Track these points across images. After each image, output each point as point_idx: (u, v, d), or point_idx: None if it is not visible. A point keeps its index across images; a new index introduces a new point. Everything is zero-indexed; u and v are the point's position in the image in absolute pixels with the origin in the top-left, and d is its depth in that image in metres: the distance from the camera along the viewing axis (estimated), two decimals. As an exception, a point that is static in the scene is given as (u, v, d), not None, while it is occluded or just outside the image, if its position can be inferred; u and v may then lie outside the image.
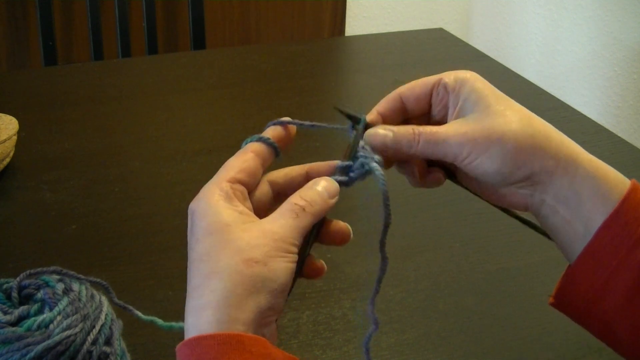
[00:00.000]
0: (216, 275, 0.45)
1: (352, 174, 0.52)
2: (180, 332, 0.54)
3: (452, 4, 2.47)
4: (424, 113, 0.55)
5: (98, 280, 0.60)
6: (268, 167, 0.53)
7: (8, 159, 0.95)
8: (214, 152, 1.02)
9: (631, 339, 0.48)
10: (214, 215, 0.47)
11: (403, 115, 0.56)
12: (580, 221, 0.49)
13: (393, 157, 0.53)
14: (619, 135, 1.13)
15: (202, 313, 0.44)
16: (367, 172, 0.51)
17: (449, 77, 0.54)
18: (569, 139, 0.51)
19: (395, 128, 0.52)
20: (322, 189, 0.49)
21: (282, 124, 0.53)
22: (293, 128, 0.54)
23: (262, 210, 0.50)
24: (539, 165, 0.49)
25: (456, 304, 0.76)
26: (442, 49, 1.44)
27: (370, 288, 0.77)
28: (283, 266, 0.45)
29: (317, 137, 1.06)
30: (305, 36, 2.18)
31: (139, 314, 0.60)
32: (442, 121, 0.54)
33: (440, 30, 1.56)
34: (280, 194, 0.52)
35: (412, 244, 0.84)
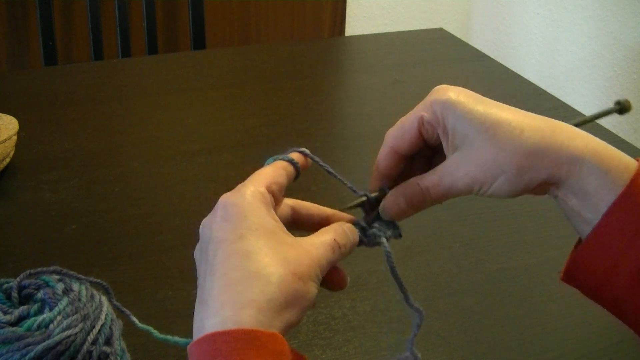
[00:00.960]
0: (266, 278, 0.45)
1: (364, 239, 0.54)
2: (184, 332, 0.54)
3: (452, 4, 2.47)
4: (421, 150, 0.55)
5: (98, 280, 0.60)
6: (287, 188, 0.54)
7: (8, 159, 0.95)
8: (214, 152, 1.02)
9: (639, 319, 0.49)
10: (259, 217, 0.48)
11: (404, 162, 0.56)
12: (589, 210, 0.49)
13: (415, 213, 0.55)
14: (619, 135, 1.12)
15: (246, 309, 0.44)
16: (377, 244, 0.54)
17: (426, 111, 0.52)
18: (571, 132, 0.50)
19: (402, 191, 0.54)
20: (353, 238, 0.52)
21: (304, 154, 0.55)
22: (309, 159, 0.55)
23: None
24: (544, 175, 0.50)
25: (456, 304, 0.76)
26: (442, 49, 1.44)
27: (370, 288, 0.77)
28: (314, 289, 0.47)
29: (317, 137, 1.06)
30: (305, 36, 2.18)
31: (135, 320, 0.60)
32: (442, 150, 0.54)
33: (440, 30, 1.56)
34: (296, 223, 0.54)
35: (412, 244, 0.84)
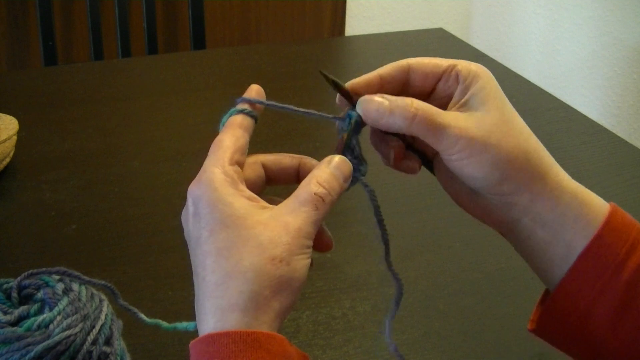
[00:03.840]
0: (241, 275, 0.43)
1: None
2: (184, 332, 0.54)
3: (452, 4, 2.47)
4: (424, 93, 0.53)
5: (103, 282, 0.60)
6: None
7: (8, 159, 0.95)
8: (214, 152, 1.02)
9: (620, 358, 0.48)
10: (226, 205, 0.45)
11: (404, 87, 0.53)
12: (562, 244, 0.48)
13: (383, 129, 0.50)
14: (619, 135, 1.12)
15: (229, 315, 0.43)
16: (356, 183, 0.50)
17: (462, 66, 0.51)
18: (558, 165, 0.50)
19: (393, 98, 0.49)
20: (338, 172, 0.47)
21: (252, 101, 0.51)
22: (262, 96, 0.52)
23: (255, 192, 0.48)
24: (526, 183, 0.49)
25: (456, 304, 0.76)
26: (442, 49, 1.44)
27: (370, 288, 0.77)
28: (303, 263, 0.44)
29: (317, 137, 1.06)
30: (305, 36, 2.18)
31: (143, 316, 0.60)
32: (441, 107, 0.50)
33: (440, 30, 1.56)
34: (271, 179, 0.51)
35: (412, 244, 0.84)
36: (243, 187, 0.46)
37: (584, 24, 2.01)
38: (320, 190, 0.46)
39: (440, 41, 1.48)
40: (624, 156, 1.05)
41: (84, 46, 1.88)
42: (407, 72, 0.52)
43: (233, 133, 0.49)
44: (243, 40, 2.10)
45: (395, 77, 0.52)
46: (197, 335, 0.44)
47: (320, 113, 0.52)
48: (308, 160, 0.52)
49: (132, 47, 1.66)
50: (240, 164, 0.48)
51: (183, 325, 0.56)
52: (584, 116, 1.17)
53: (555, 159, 0.51)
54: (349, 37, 2.19)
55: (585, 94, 2.03)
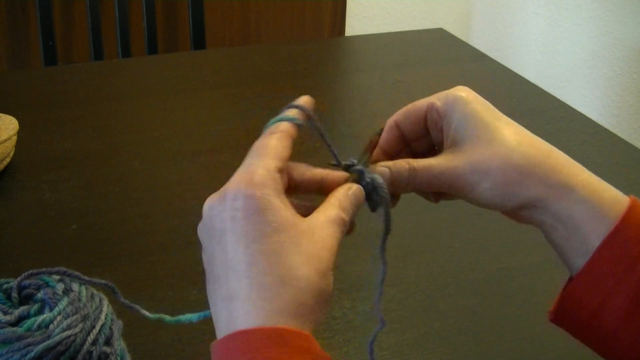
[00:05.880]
0: (295, 283, 0.44)
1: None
2: (184, 332, 0.54)
3: (452, 4, 2.47)
4: (421, 136, 0.56)
5: (104, 281, 0.60)
6: None
7: (8, 159, 0.95)
8: (214, 152, 1.02)
9: (631, 355, 0.49)
10: (277, 210, 0.45)
11: (403, 141, 0.56)
12: (579, 241, 0.50)
13: (394, 192, 0.53)
14: (619, 135, 1.12)
15: (279, 317, 0.43)
16: (372, 185, 0.52)
17: (440, 100, 0.53)
18: (566, 160, 0.51)
19: (391, 163, 0.53)
20: (356, 200, 0.50)
21: (303, 110, 0.52)
22: (311, 106, 0.53)
23: None
24: (531, 194, 0.50)
25: (456, 304, 0.76)
26: (442, 49, 1.44)
27: (370, 288, 0.77)
28: (332, 279, 0.46)
29: (317, 138, 1.06)
30: (305, 36, 2.18)
31: (146, 312, 0.60)
32: (442, 144, 0.54)
33: (440, 30, 1.56)
34: (290, 190, 0.51)
35: (412, 244, 0.84)
36: (284, 197, 0.47)
37: (584, 24, 2.01)
38: (345, 216, 0.48)
39: (440, 41, 1.48)
40: (624, 156, 1.05)
41: (84, 46, 1.88)
42: (398, 128, 0.55)
43: (281, 141, 0.50)
44: (243, 40, 2.10)
45: (391, 139, 0.56)
46: (201, 327, 0.45)
47: (334, 151, 0.54)
48: (332, 175, 0.52)
49: (132, 47, 1.66)
50: (282, 172, 0.49)
51: (187, 317, 0.56)
52: (584, 116, 1.17)
53: (556, 159, 0.51)
54: (349, 37, 2.19)
55: (585, 94, 2.03)
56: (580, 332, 0.51)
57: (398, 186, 0.53)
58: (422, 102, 0.54)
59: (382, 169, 0.53)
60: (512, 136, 0.51)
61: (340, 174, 0.52)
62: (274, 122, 0.51)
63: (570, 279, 0.51)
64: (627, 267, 0.48)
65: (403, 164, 0.53)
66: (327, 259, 0.46)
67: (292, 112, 0.52)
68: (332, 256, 0.46)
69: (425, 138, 0.56)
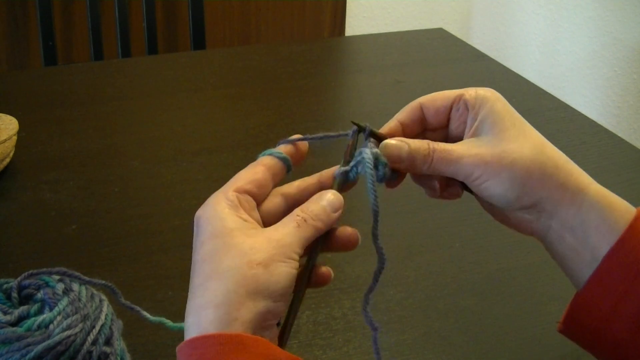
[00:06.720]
0: (219, 276, 0.45)
1: (351, 174, 0.53)
2: (174, 346, 0.54)
3: (452, 4, 2.47)
4: (442, 126, 0.56)
5: (104, 282, 0.60)
6: (280, 182, 0.54)
7: (8, 159, 0.95)
8: (214, 152, 1.02)
9: None
10: (219, 220, 0.48)
11: (422, 125, 0.56)
12: (587, 249, 0.50)
13: (406, 171, 0.54)
14: (619, 135, 1.12)
15: (203, 312, 0.45)
16: (360, 162, 0.52)
17: (470, 93, 0.54)
18: (578, 169, 0.52)
19: (411, 141, 0.53)
20: (326, 203, 0.50)
21: (292, 142, 0.54)
22: (304, 145, 0.55)
23: (272, 222, 0.50)
24: (546, 194, 0.50)
25: (456, 304, 0.76)
26: (442, 49, 1.44)
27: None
28: (284, 270, 0.46)
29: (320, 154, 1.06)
30: (305, 36, 2.18)
31: (147, 315, 0.60)
32: (459, 137, 0.55)
33: (440, 30, 1.56)
34: (294, 207, 0.52)
35: (412, 244, 0.84)
36: (242, 212, 0.49)
37: (584, 24, 2.01)
38: (303, 214, 0.49)
39: (440, 41, 1.48)
40: (624, 156, 1.05)
41: (84, 46, 1.88)
42: (421, 110, 0.56)
43: (251, 168, 0.52)
44: (243, 40, 2.10)
45: (412, 119, 0.56)
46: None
47: (339, 133, 0.55)
48: (326, 172, 0.54)
49: (132, 47, 1.66)
50: (254, 195, 0.51)
51: None
52: (584, 116, 1.17)
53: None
54: (349, 37, 2.19)
55: (585, 94, 2.03)
56: (591, 341, 0.51)
57: (414, 164, 0.53)
58: (451, 92, 0.55)
59: (401, 144, 0.53)
60: (537, 137, 0.52)
61: (330, 170, 0.54)
62: (259, 157, 0.53)
63: (578, 293, 0.51)
64: (635, 276, 0.48)
65: (423, 142, 0.53)
66: (267, 250, 0.46)
67: (279, 148, 0.54)
68: (277, 248, 0.46)
69: (441, 130, 0.56)
